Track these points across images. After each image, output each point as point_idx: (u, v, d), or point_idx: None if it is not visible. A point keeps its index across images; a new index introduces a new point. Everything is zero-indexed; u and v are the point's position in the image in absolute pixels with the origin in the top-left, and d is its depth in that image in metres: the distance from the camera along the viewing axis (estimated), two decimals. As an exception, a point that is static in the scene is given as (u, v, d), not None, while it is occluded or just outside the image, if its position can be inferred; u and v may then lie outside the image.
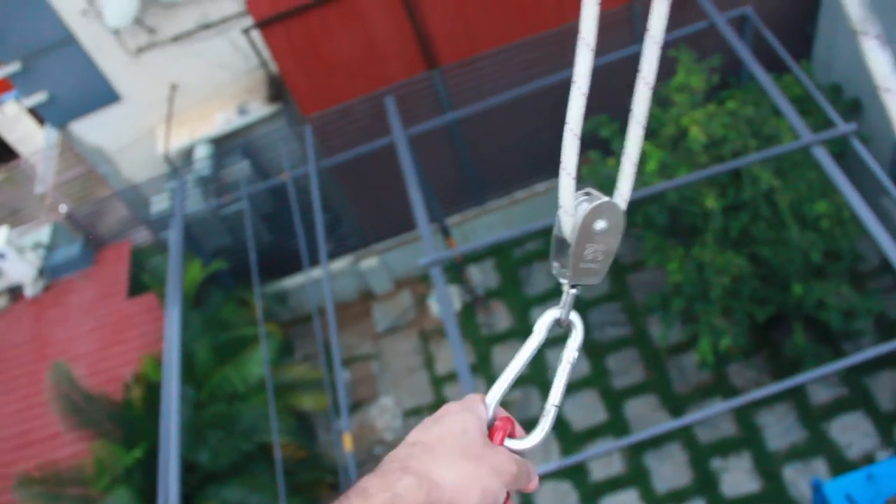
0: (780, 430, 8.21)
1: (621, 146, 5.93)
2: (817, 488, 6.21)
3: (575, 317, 1.07)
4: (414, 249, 10.01)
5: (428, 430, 1.01)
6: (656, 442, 8.39)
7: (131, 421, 7.39)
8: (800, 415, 8.23)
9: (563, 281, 1.05)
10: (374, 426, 9.44)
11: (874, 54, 0.58)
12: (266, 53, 8.98)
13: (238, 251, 8.99)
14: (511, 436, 1.06)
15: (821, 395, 8.28)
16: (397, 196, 7.46)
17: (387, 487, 0.90)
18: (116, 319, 8.64)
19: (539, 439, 1.05)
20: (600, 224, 0.99)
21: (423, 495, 0.91)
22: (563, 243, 1.01)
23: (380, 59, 8.46)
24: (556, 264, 1.04)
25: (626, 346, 9.14)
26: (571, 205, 0.97)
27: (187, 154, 9.53)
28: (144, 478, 7.01)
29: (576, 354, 1.07)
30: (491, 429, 1.04)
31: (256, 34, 8.65)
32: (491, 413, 1.05)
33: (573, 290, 1.05)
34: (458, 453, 0.98)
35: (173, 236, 7.66)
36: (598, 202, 0.97)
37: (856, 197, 5.68)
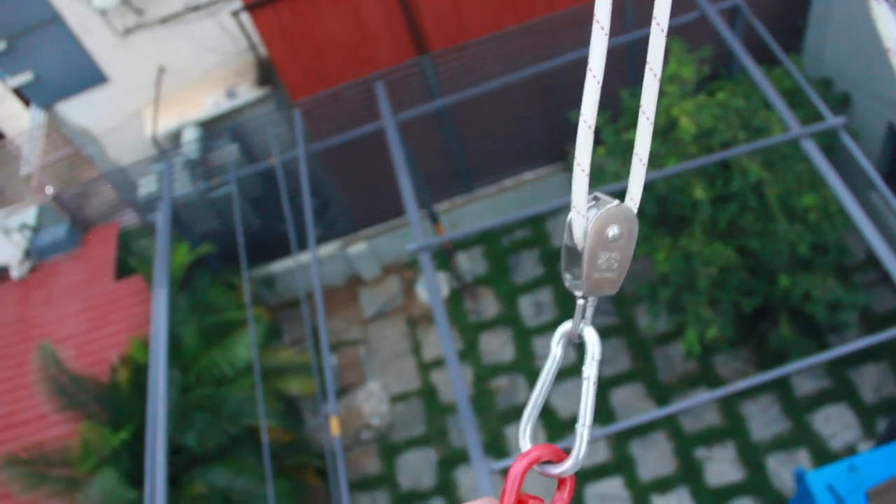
0: (764, 420, 8.28)
1: (611, 136, 5.91)
2: (800, 478, 6.27)
3: (589, 331, 0.98)
4: (402, 235, 10.00)
5: None
6: (642, 430, 8.45)
7: (118, 403, 7.37)
8: (784, 406, 8.30)
9: (577, 293, 0.97)
10: (360, 411, 9.45)
11: (883, 16, 0.58)
12: (255, 36, 8.92)
13: (226, 234, 8.96)
14: (554, 460, 0.97)
15: (805, 387, 8.35)
16: (386, 182, 7.46)
17: None
18: (103, 302, 8.60)
19: (573, 464, 0.96)
20: (613, 230, 0.93)
21: None
22: (573, 253, 0.94)
23: (370, 44, 8.42)
24: (567, 276, 0.96)
25: (613, 335, 9.18)
26: (584, 205, 0.92)
27: (175, 137, 9.47)
28: (131, 459, 7.01)
29: (594, 371, 0.98)
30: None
31: (246, 17, 8.59)
32: (527, 445, 0.97)
33: (582, 301, 0.98)
34: None
35: (161, 219, 7.62)
36: (609, 206, 0.92)
37: (844, 190, 5.71)
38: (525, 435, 0.97)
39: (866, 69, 7.63)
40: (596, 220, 0.91)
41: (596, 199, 0.93)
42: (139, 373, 7.38)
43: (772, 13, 8.34)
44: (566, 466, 0.95)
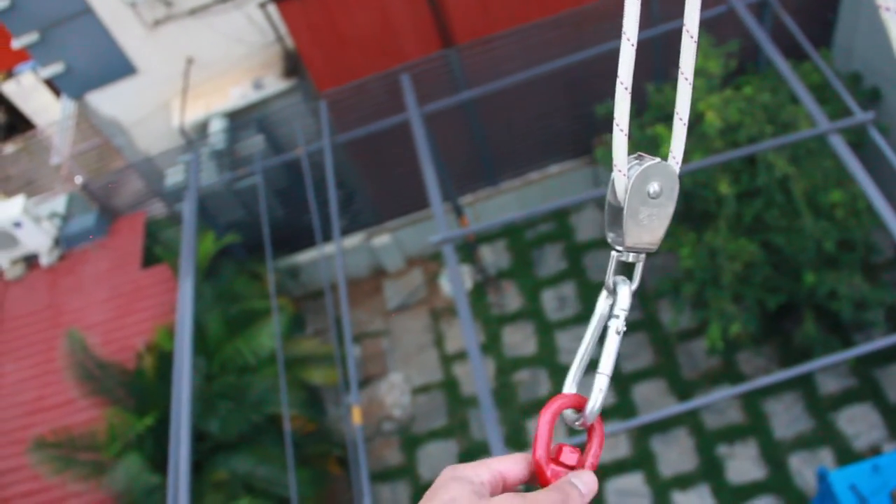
0: (787, 418, 8.21)
1: (636, 130, 5.90)
2: (823, 477, 6.23)
3: (623, 286, 1.01)
4: (426, 228, 10.03)
5: None
6: (663, 426, 8.42)
7: (143, 389, 7.47)
8: (807, 404, 8.23)
9: (619, 249, 1.00)
10: (382, 402, 9.50)
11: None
12: (282, 28, 8.97)
13: (251, 225, 9.02)
14: (577, 408, 1.03)
15: (829, 386, 8.27)
16: (411, 174, 7.48)
17: None
18: (130, 290, 8.71)
19: (591, 411, 1.02)
20: (654, 186, 0.95)
21: None
22: (616, 211, 0.98)
23: (396, 37, 8.44)
24: (611, 234, 1.00)
25: (636, 330, 9.15)
26: (625, 164, 0.94)
27: (202, 127, 9.56)
28: (155, 445, 7.10)
29: (619, 323, 1.02)
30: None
31: (273, 8, 8.64)
32: (573, 391, 1.03)
33: (618, 255, 1.01)
34: None
35: (187, 208, 7.70)
36: (650, 163, 0.95)
37: (872, 187, 5.64)
38: (571, 389, 1.03)
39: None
40: (637, 175, 0.94)
41: (639, 157, 0.96)
42: (164, 360, 7.47)
43: (801, 7, 8.26)
44: (585, 413, 1.01)
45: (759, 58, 8.21)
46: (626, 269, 1.03)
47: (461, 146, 9.65)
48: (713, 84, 7.41)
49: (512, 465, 1.00)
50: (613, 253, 1.00)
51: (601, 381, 1.02)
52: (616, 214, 0.98)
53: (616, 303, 1.01)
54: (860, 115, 5.99)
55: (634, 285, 1.01)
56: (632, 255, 1.00)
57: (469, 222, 9.77)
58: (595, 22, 8.21)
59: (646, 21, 8.40)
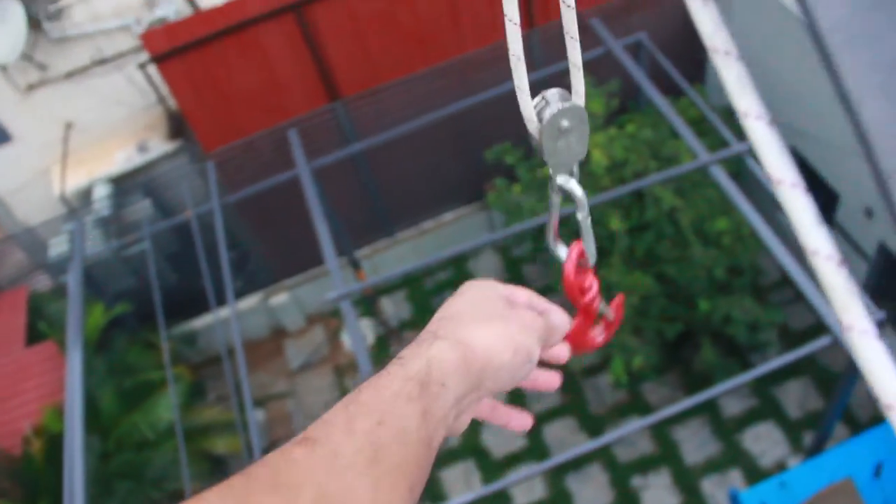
0: (695, 443, 8.36)
1: (526, 173, 5.95)
2: (734, 498, 6.33)
3: (573, 184, 1.13)
4: (325, 283, 9.86)
5: (451, 305, 1.04)
6: (577, 464, 8.43)
7: (32, 477, 7.02)
8: (714, 428, 8.40)
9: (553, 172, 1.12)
10: (291, 466, 9.20)
11: (699, 14, 0.56)
12: (164, 89, 8.77)
13: (143, 293, 8.68)
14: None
15: (732, 408, 8.47)
16: (305, 230, 7.35)
17: (421, 354, 0.91)
18: (13, 370, 8.22)
19: (592, 254, 1.20)
20: (564, 123, 1.03)
21: (457, 356, 0.93)
22: (538, 144, 1.06)
23: (281, 92, 8.36)
24: (544, 159, 1.09)
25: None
26: (534, 117, 1.02)
27: (86, 194, 9.19)
28: (48, 537, 6.67)
29: (584, 214, 1.15)
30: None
31: (153, 69, 8.44)
32: (563, 250, 1.19)
33: (553, 173, 1.12)
34: (483, 317, 1.00)
35: (72, 280, 7.35)
36: (556, 108, 1.02)
37: (753, 213, 5.85)
38: (557, 246, 1.20)
39: (764, 96, 7.89)
40: (546, 123, 1.02)
41: (545, 100, 1.03)
42: (54, 443, 7.04)
43: (674, 47, 8.59)
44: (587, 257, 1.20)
45: (640, 96, 8.47)
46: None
47: (355, 199, 9.59)
48: (597, 123, 7.60)
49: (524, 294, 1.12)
50: (550, 171, 1.11)
51: (586, 222, 1.17)
52: (539, 147, 1.07)
53: (576, 200, 1.13)
54: (736, 146, 6.23)
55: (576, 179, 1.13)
56: (565, 174, 1.12)
57: (367, 275, 9.67)
58: (479, 69, 8.33)
59: (530, 66, 8.57)
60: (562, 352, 1.21)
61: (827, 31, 0.44)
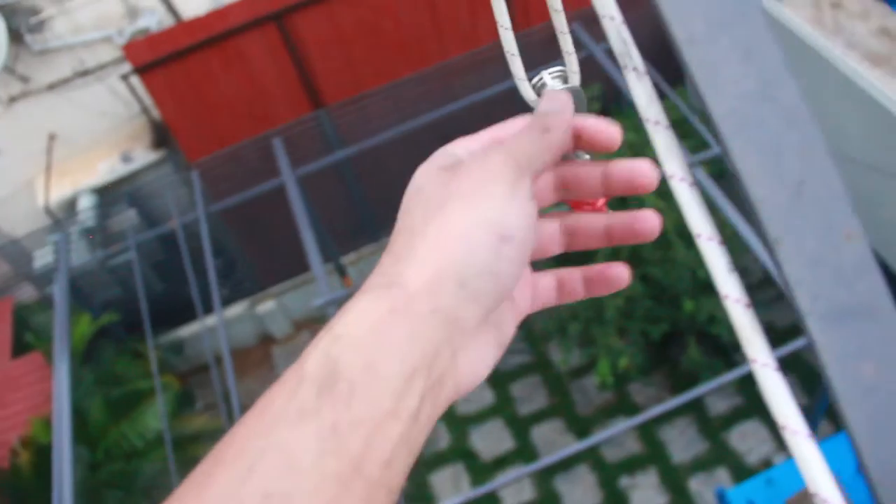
0: (682, 443, 8.43)
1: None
2: (721, 496, 6.39)
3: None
4: (311, 290, 9.90)
5: (399, 220, 0.70)
6: (565, 465, 8.48)
7: (20, 489, 7.02)
8: (700, 427, 8.47)
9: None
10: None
11: (635, 88, 0.64)
12: (147, 99, 8.78)
13: (129, 302, 8.68)
14: None
15: (718, 406, 8.55)
16: (291, 237, 7.37)
17: (321, 337, 0.59)
18: (0, 382, 8.21)
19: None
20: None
21: (385, 307, 0.58)
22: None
23: (265, 101, 8.38)
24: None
25: (529, 372, 9.24)
26: (533, 99, 0.92)
27: (70, 205, 9.18)
28: (37, 549, 6.66)
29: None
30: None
31: (136, 80, 8.45)
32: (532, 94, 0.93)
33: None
34: (432, 211, 0.65)
35: (58, 290, 7.34)
36: (553, 86, 0.93)
37: (735, 214, 5.92)
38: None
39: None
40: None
41: (543, 83, 0.94)
42: (42, 454, 7.04)
43: (655, 51, 8.67)
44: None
45: (621, 100, 8.55)
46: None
47: (340, 205, 9.62)
48: (580, 127, 7.65)
49: (509, 128, 0.78)
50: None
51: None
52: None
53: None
54: (717, 148, 6.30)
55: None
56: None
57: (353, 281, 9.70)
58: (461, 75, 8.38)
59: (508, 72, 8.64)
60: (598, 127, 0.74)
61: (720, 117, 0.54)
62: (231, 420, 7.89)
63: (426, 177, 0.70)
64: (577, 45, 7.60)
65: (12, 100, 8.77)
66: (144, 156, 9.12)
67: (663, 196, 7.31)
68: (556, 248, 0.79)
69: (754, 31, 0.53)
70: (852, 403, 0.53)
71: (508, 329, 0.71)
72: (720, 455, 8.25)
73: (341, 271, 9.36)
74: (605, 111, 8.67)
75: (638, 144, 7.44)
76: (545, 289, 0.79)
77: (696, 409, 8.56)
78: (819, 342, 0.55)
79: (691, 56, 0.54)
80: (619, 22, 0.67)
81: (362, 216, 9.86)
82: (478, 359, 0.64)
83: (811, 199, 0.53)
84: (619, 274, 0.77)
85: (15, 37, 8.35)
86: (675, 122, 8.00)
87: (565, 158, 0.79)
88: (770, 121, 0.54)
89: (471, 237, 0.61)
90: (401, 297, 0.58)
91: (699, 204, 0.62)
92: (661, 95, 7.68)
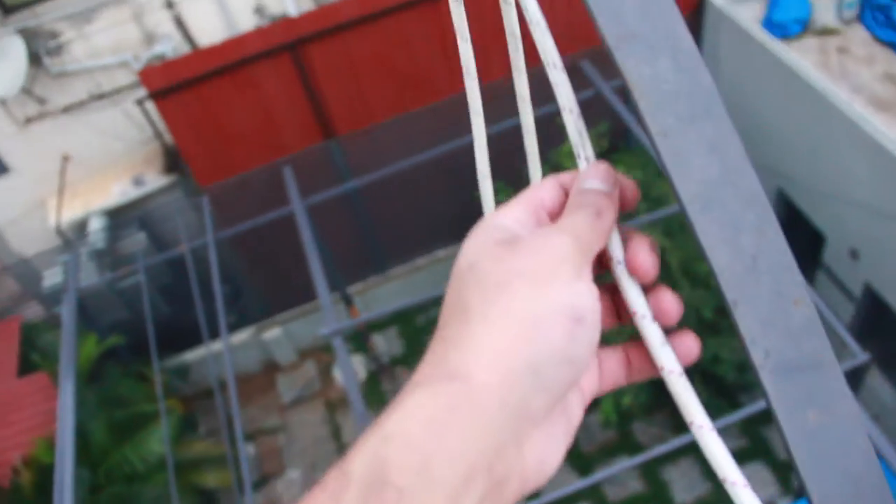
0: (685, 483, 8.36)
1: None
2: (720, 540, 6.35)
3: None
4: (317, 319, 9.91)
5: (446, 301, 0.64)
6: (567, 502, 8.41)
7: (20, 509, 7.02)
8: (703, 468, 8.41)
9: None
10: (280, 501, 9.19)
11: (570, 127, 0.73)
12: (161, 124, 8.88)
13: (136, 325, 8.72)
14: None
15: (721, 447, 8.48)
16: (298, 265, 7.42)
17: (368, 439, 0.53)
18: (4, 400, 8.22)
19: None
20: None
21: (443, 403, 0.54)
22: None
23: (277, 129, 8.47)
24: None
25: (533, 406, 9.20)
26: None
27: (81, 226, 9.27)
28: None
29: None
30: None
31: (151, 105, 8.56)
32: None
33: None
34: (490, 293, 0.59)
35: (66, 311, 7.40)
36: None
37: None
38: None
39: (751, 138, 8.03)
40: None
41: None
42: (44, 474, 7.04)
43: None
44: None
45: (629, 137, 8.61)
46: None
47: (348, 235, 9.67)
48: (588, 164, 7.69)
49: (544, 193, 0.71)
50: None
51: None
52: None
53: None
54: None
55: None
56: None
57: (359, 312, 9.72)
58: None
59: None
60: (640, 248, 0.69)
61: (687, 199, 0.61)
62: (233, 447, 7.89)
63: (480, 251, 0.64)
64: (586, 82, 7.68)
65: (28, 121, 8.90)
66: (156, 180, 9.21)
67: (669, 234, 7.34)
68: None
69: (718, 125, 0.61)
70: (798, 445, 0.59)
71: (576, 415, 0.65)
72: (723, 497, 8.15)
73: (348, 301, 9.39)
74: (612, 148, 8.72)
75: (644, 183, 7.48)
76: (612, 369, 0.72)
77: (699, 449, 8.44)
78: (770, 392, 0.59)
79: (664, 147, 0.61)
80: (577, 115, 0.71)
81: (370, 247, 9.91)
82: (547, 450, 0.59)
83: (765, 270, 0.59)
84: (690, 348, 0.68)
85: (34, 59, 8.48)
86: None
87: None
88: (730, 203, 0.60)
89: (543, 321, 0.57)
90: (463, 392, 0.53)
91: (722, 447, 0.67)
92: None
